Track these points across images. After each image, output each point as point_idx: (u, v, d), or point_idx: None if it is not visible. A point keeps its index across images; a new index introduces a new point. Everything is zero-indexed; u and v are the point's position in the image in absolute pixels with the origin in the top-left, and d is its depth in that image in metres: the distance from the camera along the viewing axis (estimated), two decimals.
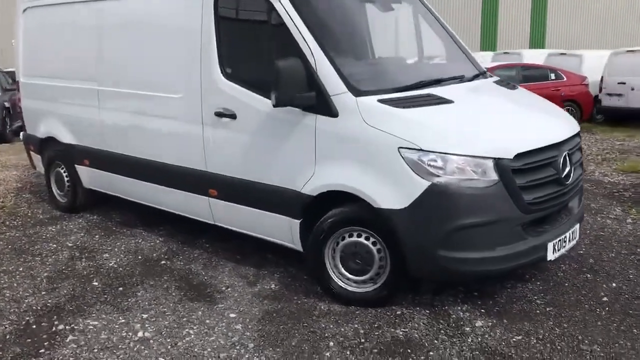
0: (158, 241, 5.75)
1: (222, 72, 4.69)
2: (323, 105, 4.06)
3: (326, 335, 3.83)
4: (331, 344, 3.73)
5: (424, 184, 3.70)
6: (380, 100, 3.99)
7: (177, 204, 5.39)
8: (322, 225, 4.16)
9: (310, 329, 3.91)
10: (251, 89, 4.54)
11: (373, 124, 3.89)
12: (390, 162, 3.82)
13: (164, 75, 5.17)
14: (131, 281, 4.81)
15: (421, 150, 3.73)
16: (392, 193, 3.82)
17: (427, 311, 4.09)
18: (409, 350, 3.61)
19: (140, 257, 5.33)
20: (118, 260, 5.28)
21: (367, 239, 4.09)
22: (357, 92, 4.02)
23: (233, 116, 4.61)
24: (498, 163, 3.72)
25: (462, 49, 5.26)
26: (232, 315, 4.17)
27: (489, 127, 4.03)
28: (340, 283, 4.24)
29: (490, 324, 3.90)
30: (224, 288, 4.64)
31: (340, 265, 4.20)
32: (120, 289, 4.68)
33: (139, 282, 4.79)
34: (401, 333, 3.81)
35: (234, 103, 4.61)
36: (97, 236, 5.91)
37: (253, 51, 4.73)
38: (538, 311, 4.06)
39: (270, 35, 4.52)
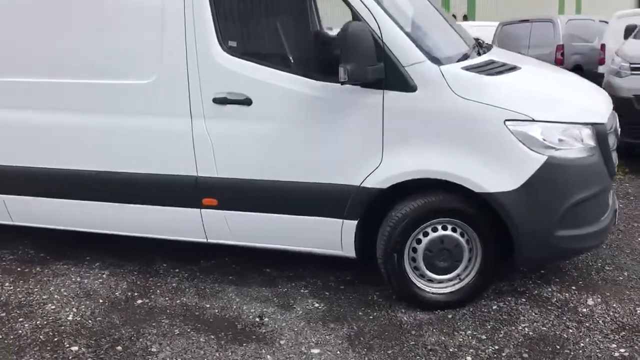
0: (103, 275, 4.37)
1: (221, 47, 3.62)
2: (395, 79, 3.34)
3: (450, 350, 3.21)
4: (468, 358, 3.13)
5: (540, 159, 3.26)
6: (464, 68, 3.42)
7: (149, 224, 4.12)
8: (398, 223, 3.46)
9: (425, 347, 3.25)
10: (273, 65, 3.58)
11: (467, 96, 3.30)
12: (495, 138, 3.29)
13: (121, 55, 3.84)
14: (124, 335, 3.53)
15: (533, 120, 3.27)
16: (499, 173, 3.30)
17: (523, 299, 3.70)
18: (557, 347, 3.19)
19: (102, 301, 3.97)
20: (75, 310, 3.86)
21: (453, 230, 3.52)
22: (436, 61, 3.38)
23: (245, 102, 3.60)
24: (597, 129, 3.43)
25: (452, 24, 4.80)
26: (313, 351, 3.29)
27: (572, 93, 3.73)
28: (423, 287, 3.61)
29: (599, 299, 3.65)
30: (257, 319, 3.66)
31: (423, 266, 3.56)
32: (119, 348, 3.40)
33: (137, 334, 3.54)
34: (527, 330, 3.37)
35: (244, 85, 3.60)
36: (11, 285, 4.27)
37: (273, 19, 3.74)
38: (621, 277, 3.95)
39: None
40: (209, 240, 4.04)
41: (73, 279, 4.32)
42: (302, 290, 4.01)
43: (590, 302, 3.64)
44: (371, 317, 3.61)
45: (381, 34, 3.32)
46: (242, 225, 3.89)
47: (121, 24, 3.79)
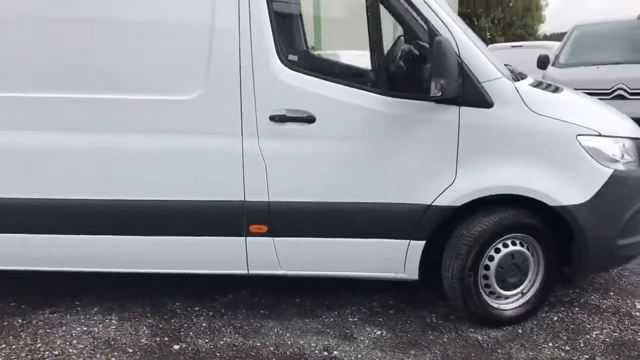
0: (112, 320, 3.78)
1: (281, 61, 3.35)
2: (471, 95, 3.31)
3: None
4: None
5: (607, 172, 3.41)
6: (531, 85, 3.49)
7: (183, 258, 3.63)
8: (475, 241, 3.41)
9: None
10: (339, 80, 3.39)
11: (541, 112, 3.37)
12: (568, 153, 3.39)
13: (160, 68, 3.39)
14: None
15: (600, 136, 3.42)
16: (572, 187, 3.40)
17: (576, 309, 3.82)
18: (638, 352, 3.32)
19: (132, 350, 3.42)
20: None
21: (520, 245, 3.55)
22: (508, 77, 3.41)
23: (307, 119, 3.35)
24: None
25: None
26: None
27: (612, 111, 3.94)
28: (493, 304, 3.58)
29: None
30: (324, 354, 3.39)
31: (495, 283, 3.53)
32: None
33: None
34: (602, 337, 3.47)
35: (307, 101, 3.36)
36: (2, 342, 3.54)
37: (340, 31, 3.51)
38: None
39: (373, 10, 3.35)
40: (250, 272, 3.66)
41: (78, 329, 3.68)
42: (350, 319, 3.78)
43: (638, 306, 3.84)
44: (445, 339, 3.50)
45: (459, 50, 3.28)
46: (294, 253, 3.58)
47: (160, 32, 3.34)
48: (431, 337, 3.53)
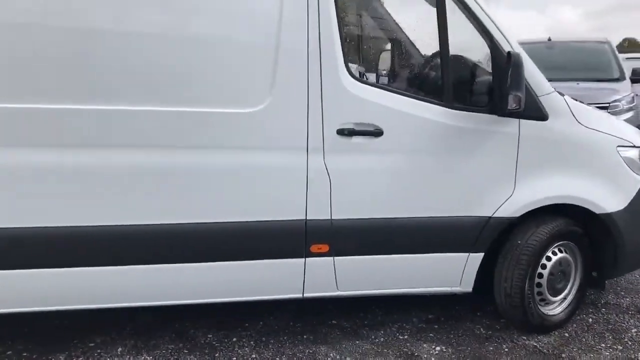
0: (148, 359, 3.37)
1: (349, 73, 3.21)
2: (530, 108, 3.40)
3: None
4: None
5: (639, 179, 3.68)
6: (572, 99, 3.67)
7: (237, 285, 3.31)
8: (534, 250, 3.50)
9: None
10: (407, 92, 3.32)
11: (588, 125, 3.56)
12: (611, 163, 3.61)
13: (221, 78, 3.08)
14: None
15: (634, 147, 3.68)
16: (613, 195, 3.61)
17: (604, 310, 4.05)
18: None
19: None
20: None
21: (565, 252, 3.70)
22: (558, 92, 3.56)
23: (374, 133, 3.25)
24: None
25: None
26: None
27: (622, 122, 4.23)
28: (544, 310, 3.68)
29: None
30: None
31: (546, 290, 3.64)
32: None
33: None
34: None
35: (375, 114, 3.25)
36: None
37: (404, 46, 3.41)
38: None
39: (440, 25, 3.30)
40: (305, 295, 3.44)
41: None
42: (400, 337, 3.69)
43: None
44: (505, 349, 3.53)
45: None
46: (353, 272, 3.42)
47: (225, 43, 3.04)
48: (491, 348, 3.55)
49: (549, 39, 9.15)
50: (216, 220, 3.18)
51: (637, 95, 8.05)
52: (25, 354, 3.40)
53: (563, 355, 3.46)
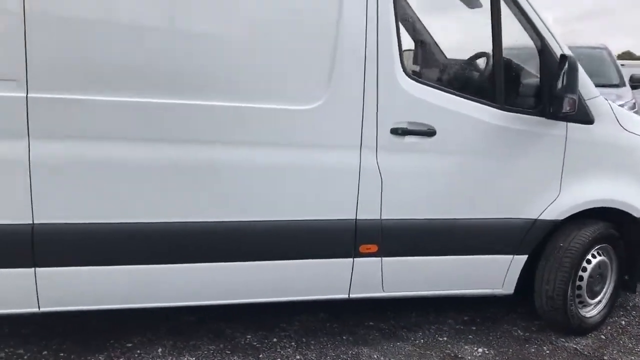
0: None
1: (404, 71, 3.18)
2: (579, 111, 3.40)
3: None
4: None
5: None
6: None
7: (285, 284, 3.25)
8: (576, 254, 3.51)
9: None
10: (460, 92, 3.30)
11: (630, 129, 3.61)
12: None
13: (277, 74, 3.01)
14: None
15: None
16: None
17: (634, 312, 4.09)
18: None
19: None
20: None
21: (602, 255, 3.73)
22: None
23: (427, 132, 3.22)
24: None
25: None
26: None
27: None
28: (582, 313, 3.70)
29: None
30: None
31: (585, 293, 3.66)
32: None
33: None
34: None
35: (429, 114, 3.22)
36: None
37: (458, 45, 3.38)
38: None
39: (494, 26, 3.29)
40: (350, 296, 3.40)
41: None
42: (440, 338, 3.68)
43: None
44: (546, 351, 3.55)
45: None
46: (400, 273, 3.39)
47: (282, 38, 2.97)
48: (532, 350, 3.56)
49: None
50: (267, 218, 3.12)
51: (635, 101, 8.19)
52: (62, 354, 3.28)
53: (605, 357, 3.49)
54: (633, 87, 8.56)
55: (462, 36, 3.78)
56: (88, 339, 3.43)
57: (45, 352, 3.29)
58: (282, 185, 3.09)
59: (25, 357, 3.24)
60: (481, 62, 3.40)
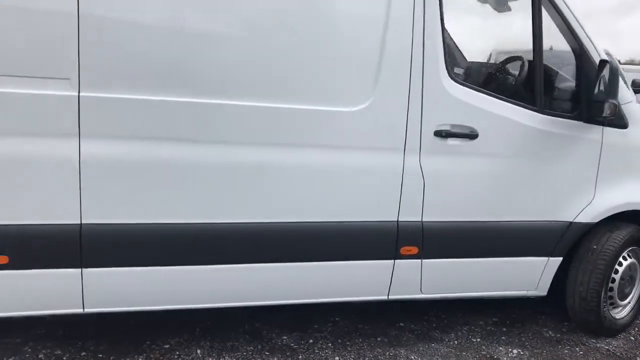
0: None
1: (449, 74, 3.20)
2: (616, 116, 3.45)
3: None
4: None
5: None
6: None
7: (326, 286, 3.25)
8: (611, 256, 3.56)
9: None
10: (502, 96, 3.32)
11: None
12: None
13: (327, 76, 3.01)
14: None
15: None
16: None
17: None
18: None
19: None
20: None
21: (633, 257, 3.78)
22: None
23: (469, 135, 3.25)
24: None
25: None
26: None
27: None
28: (613, 314, 3.75)
29: None
30: None
31: (616, 295, 3.71)
32: None
33: None
34: None
35: (471, 116, 3.25)
36: None
37: (499, 49, 3.41)
38: None
39: (535, 31, 3.32)
40: (389, 297, 3.41)
41: None
42: (473, 340, 3.71)
43: None
44: (580, 353, 3.59)
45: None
46: (439, 275, 3.41)
47: (328, 37, 2.96)
48: (566, 351, 3.60)
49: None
50: (310, 219, 3.12)
51: None
52: (100, 356, 3.24)
53: (638, 359, 3.53)
54: (635, 92, 8.67)
55: (500, 39, 3.81)
56: (122, 339, 3.41)
57: (84, 354, 3.26)
58: (327, 186, 3.09)
59: (64, 358, 3.19)
60: (519, 65, 3.42)
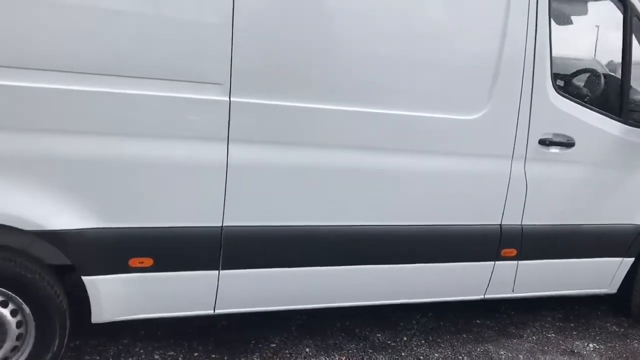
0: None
1: (553, 86, 3.39)
2: None
3: None
4: None
5: None
6: None
7: (432, 286, 3.41)
8: None
9: None
10: (595, 107, 3.55)
11: None
12: None
13: (448, 85, 3.13)
14: None
15: None
16: None
17: None
18: None
19: None
20: None
21: None
22: None
23: (568, 144, 3.46)
24: None
25: None
26: None
27: None
28: None
29: None
30: None
31: None
32: None
33: None
34: None
35: (571, 126, 3.46)
36: None
37: (591, 61, 3.60)
38: None
39: (624, 44, 3.54)
40: (485, 297, 3.59)
41: None
42: (549, 335, 3.93)
43: None
44: None
45: None
46: (531, 275, 3.62)
47: (448, 47, 3.09)
48: (635, 344, 3.87)
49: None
50: (423, 223, 3.25)
51: None
52: (213, 356, 3.26)
53: None
54: None
55: (589, 51, 4.02)
56: (227, 339, 3.42)
57: (196, 354, 3.26)
58: (437, 192, 3.23)
59: (179, 358, 3.20)
60: (607, 77, 3.65)
